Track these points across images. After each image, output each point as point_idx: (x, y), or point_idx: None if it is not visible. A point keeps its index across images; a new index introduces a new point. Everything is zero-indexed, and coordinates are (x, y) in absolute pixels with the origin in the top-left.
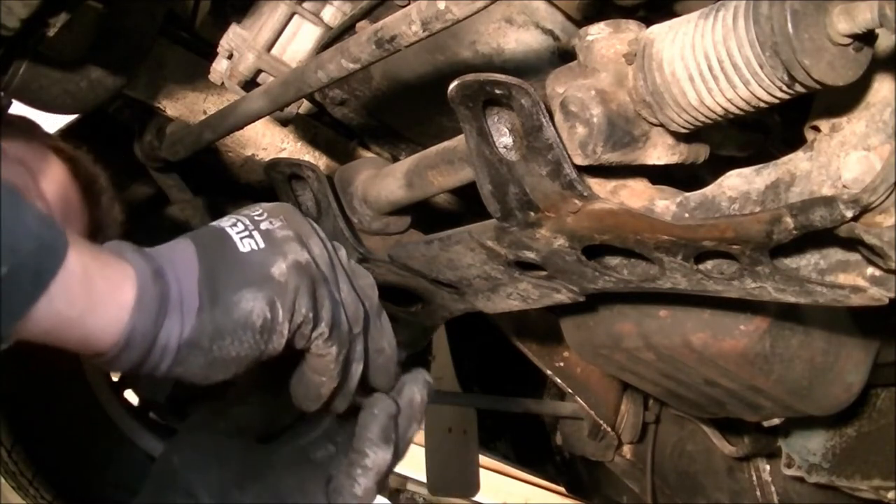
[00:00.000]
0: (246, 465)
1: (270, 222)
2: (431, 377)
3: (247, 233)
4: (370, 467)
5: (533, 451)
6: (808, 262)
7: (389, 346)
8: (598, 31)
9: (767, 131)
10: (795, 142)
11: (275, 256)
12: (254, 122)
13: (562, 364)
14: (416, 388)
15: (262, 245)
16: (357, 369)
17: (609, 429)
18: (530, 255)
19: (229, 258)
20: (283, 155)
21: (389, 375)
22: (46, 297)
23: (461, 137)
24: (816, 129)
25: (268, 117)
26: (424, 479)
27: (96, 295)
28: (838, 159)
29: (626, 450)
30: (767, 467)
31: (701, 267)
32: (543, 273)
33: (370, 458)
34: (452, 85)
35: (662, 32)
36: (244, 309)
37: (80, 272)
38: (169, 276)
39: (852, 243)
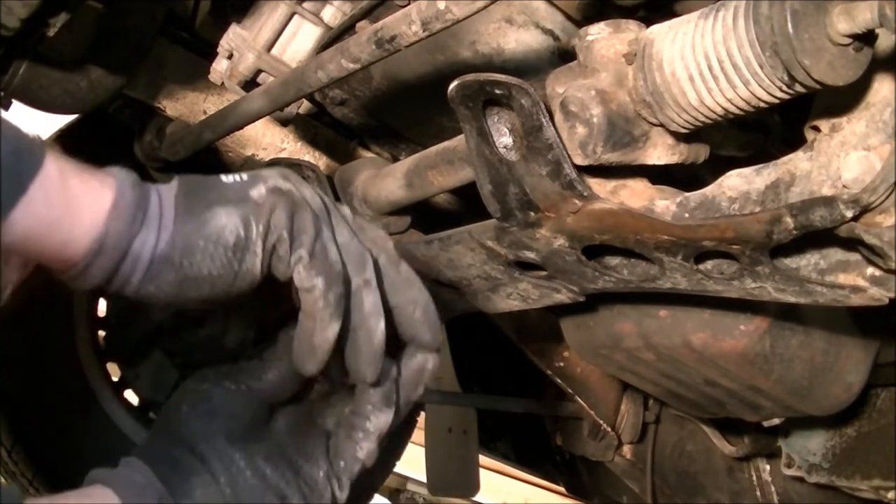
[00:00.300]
0: (252, 422)
1: (262, 173)
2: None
3: (234, 174)
4: (371, 431)
5: (533, 451)
6: (808, 262)
7: (422, 295)
8: (598, 31)
9: (767, 131)
10: (795, 142)
11: (256, 182)
12: (254, 122)
13: (562, 364)
14: (426, 354)
15: (245, 178)
16: (376, 325)
17: (609, 429)
18: (530, 255)
19: (210, 184)
20: (283, 155)
21: (434, 328)
22: (25, 198)
23: (461, 137)
24: (816, 129)
25: (268, 117)
26: (424, 479)
27: (74, 198)
28: (838, 159)
29: (626, 450)
30: (767, 467)
31: (701, 267)
32: (543, 273)
33: (372, 421)
34: (452, 85)
35: (662, 32)
36: (217, 224)
37: (58, 176)
38: (150, 190)
39: (852, 243)
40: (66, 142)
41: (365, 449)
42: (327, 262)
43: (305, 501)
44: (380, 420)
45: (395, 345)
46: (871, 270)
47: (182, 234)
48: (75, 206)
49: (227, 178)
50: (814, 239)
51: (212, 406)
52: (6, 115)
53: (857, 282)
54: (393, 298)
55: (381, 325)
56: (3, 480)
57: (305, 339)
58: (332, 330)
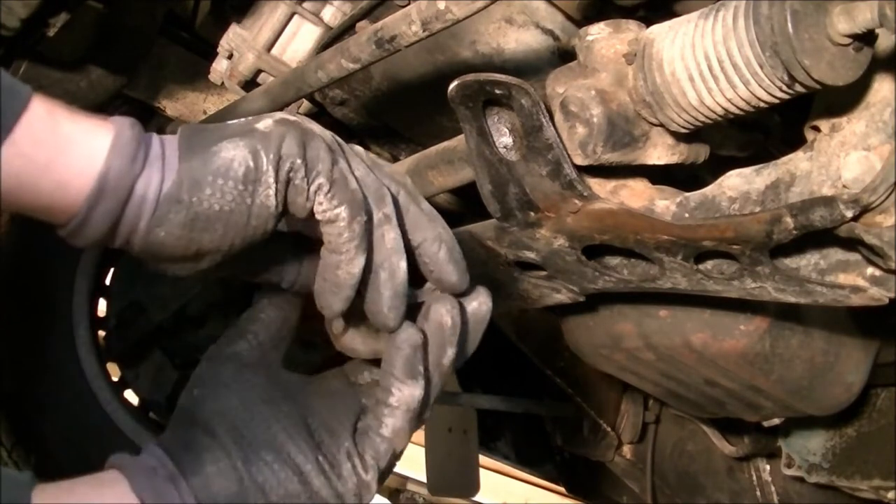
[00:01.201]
0: (275, 384)
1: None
2: None
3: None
4: (396, 405)
5: (533, 451)
6: (808, 262)
7: (446, 232)
8: (598, 31)
9: (767, 131)
10: (795, 142)
11: (261, 118)
12: None
13: (562, 364)
14: (443, 309)
15: (249, 118)
16: (398, 263)
17: (609, 429)
18: (530, 255)
19: (213, 126)
20: None
21: (461, 268)
22: (10, 139)
23: (461, 137)
24: (816, 129)
25: None
26: (424, 479)
27: (67, 138)
28: (838, 159)
29: (626, 450)
30: (767, 467)
31: (701, 267)
32: (543, 273)
33: (395, 395)
34: (452, 85)
35: (662, 32)
36: (224, 157)
37: (47, 116)
38: (150, 135)
39: (852, 243)
40: None
41: (390, 426)
42: (348, 189)
43: (326, 478)
44: (405, 394)
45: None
46: (871, 270)
47: (188, 170)
48: (68, 146)
49: (230, 121)
50: (814, 239)
51: (222, 381)
52: None
53: (857, 282)
54: (415, 236)
55: (404, 264)
56: None
57: (330, 274)
58: (359, 263)
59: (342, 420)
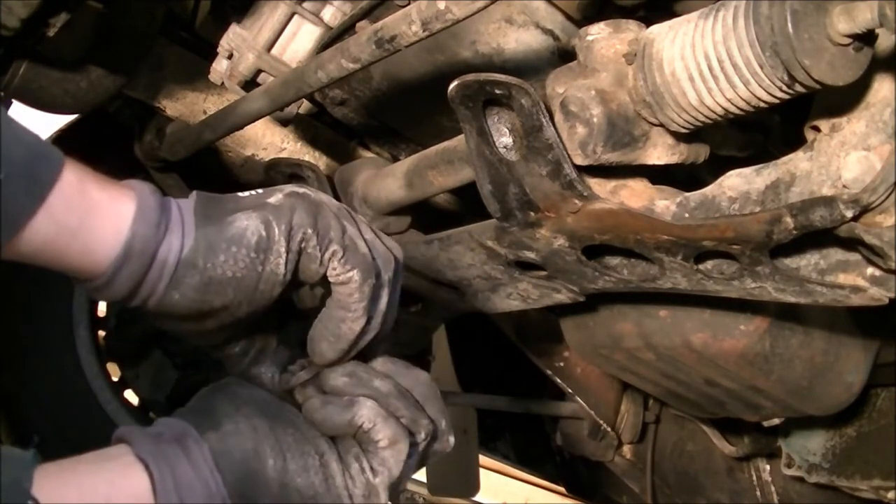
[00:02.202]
0: (278, 411)
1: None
2: (431, 377)
3: (250, 191)
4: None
5: (533, 451)
6: (808, 262)
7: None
8: (598, 31)
9: (767, 131)
10: (795, 142)
11: (272, 192)
12: (254, 122)
13: (562, 364)
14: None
15: (260, 191)
16: (390, 319)
17: (609, 429)
18: (530, 255)
19: (227, 197)
20: (283, 155)
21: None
22: (45, 206)
23: (461, 137)
24: (816, 129)
25: (268, 117)
26: (424, 479)
27: (95, 204)
28: (838, 159)
29: (626, 450)
30: (767, 467)
31: (701, 267)
32: (543, 273)
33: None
34: (452, 85)
35: (662, 32)
36: (238, 227)
37: (77, 182)
38: (169, 200)
39: (852, 243)
40: (66, 142)
41: (387, 437)
42: (359, 253)
43: (341, 467)
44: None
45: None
46: (871, 270)
47: (204, 237)
48: (96, 212)
49: (242, 193)
50: (814, 239)
51: (237, 393)
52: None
53: (857, 282)
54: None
55: (392, 320)
56: None
57: (332, 325)
58: (362, 322)
59: (348, 437)
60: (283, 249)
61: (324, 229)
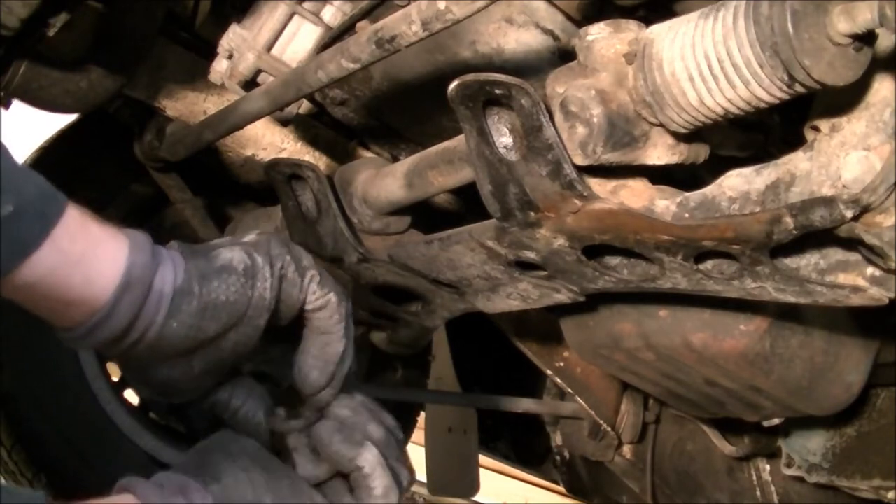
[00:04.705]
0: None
1: None
2: (432, 377)
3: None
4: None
5: (533, 451)
6: (808, 262)
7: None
8: (598, 31)
9: (767, 131)
10: (795, 142)
11: (243, 235)
12: (254, 122)
13: (562, 364)
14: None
15: (230, 237)
16: (347, 363)
17: (609, 429)
18: (530, 255)
19: (205, 244)
20: (283, 155)
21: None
22: (50, 238)
23: (461, 137)
24: (816, 129)
25: (268, 117)
26: (424, 479)
27: (95, 238)
28: (838, 159)
29: (626, 450)
30: (767, 467)
31: (701, 267)
32: (543, 273)
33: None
34: (452, 85)
35: (662, 32)
36: (225, 257)
37: (79, 218)
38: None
39: (852, 243)
40: (66, 142)
41: (379, 486)
42: (331, 279)
43: None
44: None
45: None
46: (871, 270)
47: (196, 267)
48: (97, 245)
49: (215, 241)
50: (814, 239)
51: (230, 448)
52: (8, 117)
53: (857, 282)
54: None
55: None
56: (2, 480)
57: (318, 352)
58: (343, 343)
59: (337, 482)
60: (267, 274)
61: (297, 258)
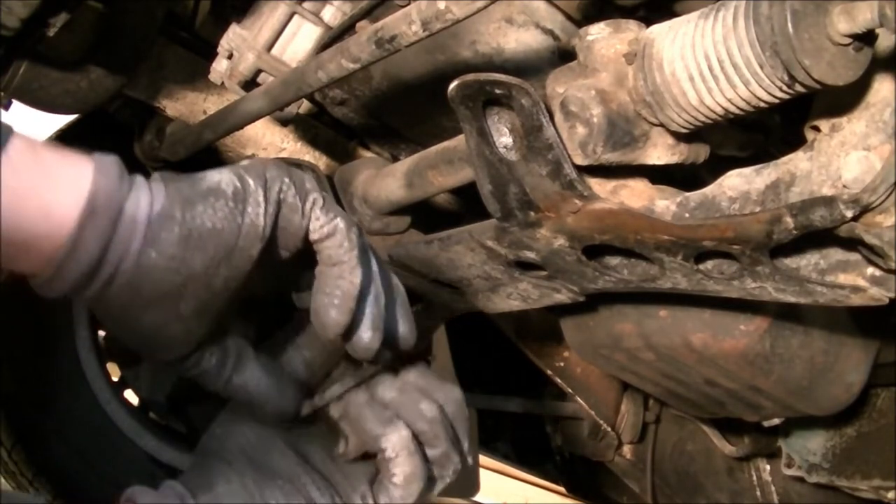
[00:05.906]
0: (296, 430)
1: None
2: None
3: None
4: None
5: (533, 451)
6: (808, 262)
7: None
8: (598, 31)
9: (767, 131)
10: (795, 142)
11: (239, 162)
12: (254, 122)
13: (562, 364)
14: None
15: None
16: (381, 302)
17: (609, 429)
18: (530, 255)
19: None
20: (283, 155)
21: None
22: None
23: (461, 137)
24: (816, 129)
25: (268, 117)
26: None
27: (50, 166)
28: (838, 159)
29: (626, 450)
30: (767, 467)
31: (701, 267)
32: (543, 273)
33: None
34: (452, 85)
35: (662, 32)
36: (211, 180)
37: (27, 148)
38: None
39: (852, 243)
40: (66, 142)
41: (402, 475)
42: (335, 204)
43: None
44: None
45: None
46: (871, 270)
47: (178, 190)
48: (52, 172)
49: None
50: (814, 239)
51: (244, 420)
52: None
53: (857, 282)
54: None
55: (383, 303)
56: (2, 481)
57: (331, 287)
58: (358, 272)
59: (359, 466)
60: (260, 199)
61: (299, 181)
